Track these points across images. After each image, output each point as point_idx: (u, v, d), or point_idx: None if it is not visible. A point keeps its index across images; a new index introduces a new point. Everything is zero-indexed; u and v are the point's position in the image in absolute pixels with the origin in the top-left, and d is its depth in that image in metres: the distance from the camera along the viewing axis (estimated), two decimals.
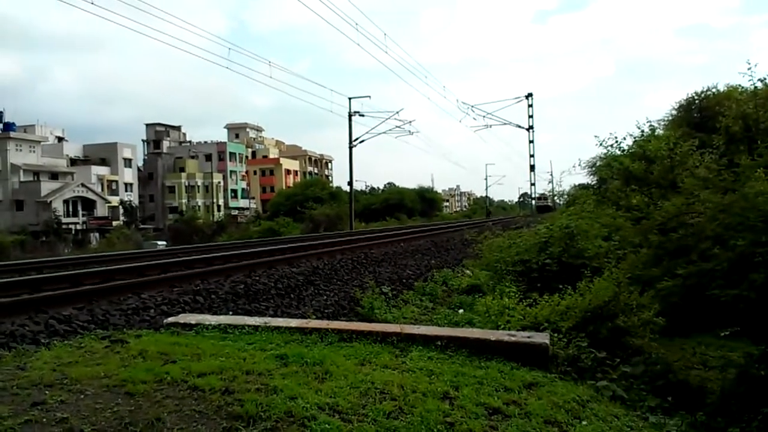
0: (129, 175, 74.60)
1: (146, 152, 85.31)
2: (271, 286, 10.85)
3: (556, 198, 62.73)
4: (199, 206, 78.84)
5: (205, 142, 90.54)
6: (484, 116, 44.03)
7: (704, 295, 8.64)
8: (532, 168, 45.94)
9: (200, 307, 8.88)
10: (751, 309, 7.47)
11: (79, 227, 60.89)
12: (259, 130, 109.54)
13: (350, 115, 41.72)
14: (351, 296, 11.23)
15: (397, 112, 42.34)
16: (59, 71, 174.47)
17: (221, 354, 4.95)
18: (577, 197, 28.92)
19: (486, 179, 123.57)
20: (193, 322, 6.38)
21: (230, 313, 8.64)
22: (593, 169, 37.29)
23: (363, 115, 42.04)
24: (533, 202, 64.54)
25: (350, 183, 45.46)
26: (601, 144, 20.94)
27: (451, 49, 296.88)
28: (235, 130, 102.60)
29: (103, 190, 68.82)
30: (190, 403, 3.77)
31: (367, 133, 43.39)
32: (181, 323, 6.40)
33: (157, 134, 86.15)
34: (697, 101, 32.45)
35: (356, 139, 42.72)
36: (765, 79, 15.99)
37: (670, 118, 34.20)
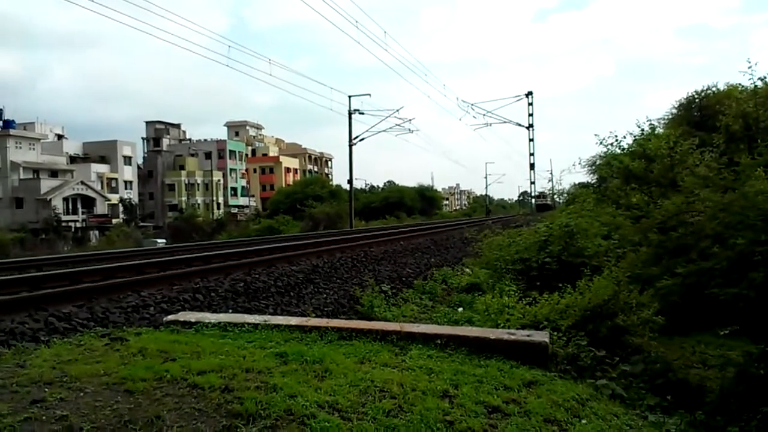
0: (129, 173, 74.61)
1: (146, 150, 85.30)
2: (271, 284, 10.86)
3: (556, 197, 62.71)
4: (198, 204, 78.84)
5: (205, 140, 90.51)
6: (484, 114, 44.07)
7: (704, 294, 8.64)
8: (532, 166, 45.91)
9: (200, 305, 8.89)
10: (751, 308, 7.48)
11: (78, 225, 60.88)
12: (259, 128, 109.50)
13: (350, 113, 41.72)
14: (351, 294, 11.23)
15: (397, 110, 42.33)
16: (59, 69, 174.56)
17: (221, 352, 4.95)
18: (577, 196, 28.91)
19: (486, 178, 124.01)
20: (192, 320, 6.38)
21: (230, 311, 8.65)
22: (593, 167, 37.27)
23: (363, 113, 42.09)
24: (532, 200, 64.55)
25: (350, 181, 45.51)
26: (600, 143, 20.91)
27: (451, 48, 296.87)
28: (235, 128, 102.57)
29: (102, 187, 68.83)
30: (190, 401, 3.77)
31: (367, 131, 43.47)
32: (180, 321, 6.40)
33: (156, 132, 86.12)
34: (697, 100, 32.45)
35: (356, 137, 42.76)
36: (765, 77, 15.97)
37: (670, 116, 34.19)
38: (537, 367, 5.25)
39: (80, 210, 63.47)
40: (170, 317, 6.71)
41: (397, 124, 43.03)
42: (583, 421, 4.22)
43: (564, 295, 8.32)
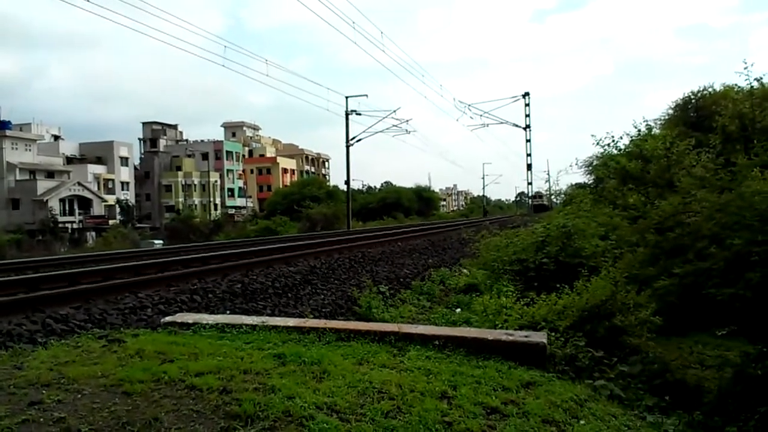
0: (125, 174, 74.44)
1: (143, 151, 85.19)
2: (269, 285, 10.84)
3: (553, 197, 62.80)
4: (195, 205, 78.75)
5: (202, 141, 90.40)
6: (481, 115, 43.92)
7: (701, 294, 8.66)
8: (529, 167, 45.94)
9: (197, 306, 8.86)
10: (748, 308, 7.49)
11: (75, 226, 60.71)
12: (256, 128, 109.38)
13: (347, 114, 41.65)
14: (348, 295, 11.22)
15: (394, 111, 42.28)
16: (56, 69, 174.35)
17: (219, 353, 4.94)
18: (574, 196, 28.94)
19: (483, 178, 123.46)
20: (190, 321, 6.37)
21: (227, 312, 8.63)
22: (590, 168, 37.38)
23: (360, 114, 41.95)
24: (529, 201, 64.56)
25: (347, 182, 45.43)
26: (598, 143, 21.03)
27: (449, 48, 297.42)
28: (232, 129, 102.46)
29: (99, 188, 68.65)
30: (188, 403, 3.76)
31: (364, 132, 43.34)
32: (178, 322, 6.38)
33: (153, 133, 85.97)
34: (693, 100, 32.58)
35: (353, 138, 42.68)
36: (761, 78, 16.05)
37: (667, 117, 34.31)
38: (535, 367, 5.25)
39: (77, 211, 63.27)
40: (168, 318, 6.70)
41: (394, 125, 43.03)
42: (582, 422, 4.22)
43: (561, 295, 8.33)
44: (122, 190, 73.02)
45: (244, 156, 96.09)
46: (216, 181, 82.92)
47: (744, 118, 15.54)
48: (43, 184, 60.91)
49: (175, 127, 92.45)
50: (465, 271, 16.37)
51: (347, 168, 43.45)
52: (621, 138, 20.64)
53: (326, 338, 5.74)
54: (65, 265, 14.24)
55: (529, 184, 47.40)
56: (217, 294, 9.61)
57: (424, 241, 22.94)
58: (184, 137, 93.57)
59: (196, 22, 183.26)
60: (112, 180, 71.80)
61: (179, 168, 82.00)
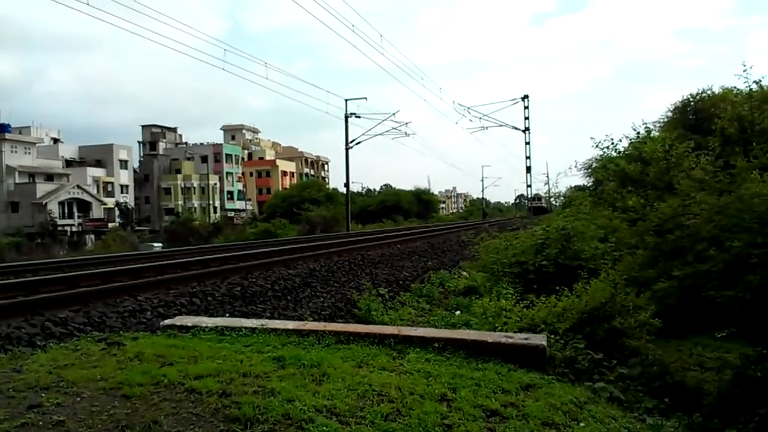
0: (125, 177, 74.41)
1: (142, 154, 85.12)
2: (268, 288, 10.83)
3: (552, 199, 62.81)
4: (195, 208, 78.67)
5: (201, 144, 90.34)
6: (480, 118, 43.89)
7: (700, 297, 8.67)
8: (529, 170, 45.83)
9: (197, 309, 8.85)
10: (747, 310, 7.50)
11: (74, 229, 60.67)
12: (255, 131, 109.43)
13: (347, 117, 41.72)
14: (348, 298, 11.21)
15: (394, 114, 42.68)
16: (55, 72, 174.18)
17: (218, 356, 4.94)
18: (574, 199, 28.97)
19: (482, 181, 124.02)
20: (189, 324, 6.36)
21: (227, 315, 8.61)
22: (589, 170, 37.43)
23: (359, 117, 42.05)
24: (528, 203, 64.63)
25: (347, 185, 45.48)
26: (597, 146, 21.07)
27: (448, 51, 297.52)
28: (232, 132, 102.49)
29: (98, 191, 68.62)
30: (187, 406, 3.75)
31: (363, 134, 43.49)
32: (177, 325, 6.38)
33: (153, 136, 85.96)
34: (692, 103, 32.62)
35: (353, 141, 42.75)
36: (760, 81, 16.08)
37: (666, 119, 34.37)
38: (535, 370, 5.25)
39: (76, 214, 63.24)
40: (167, 321, 6.69)
41: (393, 128, 43.10)
42: (581, 425, 4.22)
43: (561, 298, 8.33)
44: (121, 193, 72.99)
45: (243, 159, 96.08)
46: (215, 184, 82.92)
47: (743, 121, 15.56)
48: (42, 187, 60.91)
49: (174, 130, 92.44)
50: (464, 273, 16.35)
51: (347, 171, 43.57)
52: (620, 140, 20.69)
53: (326, 341, 5.73)
54: (64, 268, 14.23)
55: (529, 186, 47.27)
56: (216, 297, 9.61)
57: (423, 244, 22.94)
58: (184, 140, 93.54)
59: (195, 24, 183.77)
60: (112, 183, 71.77)
61: (178, 171, 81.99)
